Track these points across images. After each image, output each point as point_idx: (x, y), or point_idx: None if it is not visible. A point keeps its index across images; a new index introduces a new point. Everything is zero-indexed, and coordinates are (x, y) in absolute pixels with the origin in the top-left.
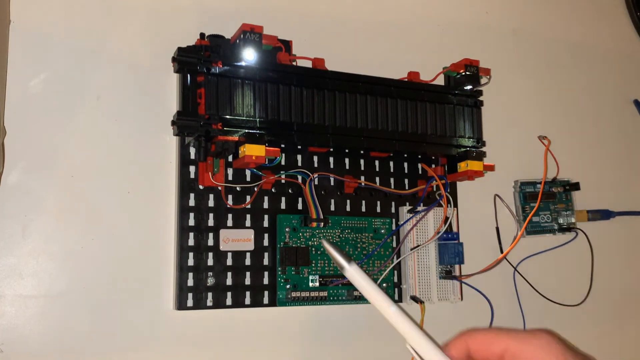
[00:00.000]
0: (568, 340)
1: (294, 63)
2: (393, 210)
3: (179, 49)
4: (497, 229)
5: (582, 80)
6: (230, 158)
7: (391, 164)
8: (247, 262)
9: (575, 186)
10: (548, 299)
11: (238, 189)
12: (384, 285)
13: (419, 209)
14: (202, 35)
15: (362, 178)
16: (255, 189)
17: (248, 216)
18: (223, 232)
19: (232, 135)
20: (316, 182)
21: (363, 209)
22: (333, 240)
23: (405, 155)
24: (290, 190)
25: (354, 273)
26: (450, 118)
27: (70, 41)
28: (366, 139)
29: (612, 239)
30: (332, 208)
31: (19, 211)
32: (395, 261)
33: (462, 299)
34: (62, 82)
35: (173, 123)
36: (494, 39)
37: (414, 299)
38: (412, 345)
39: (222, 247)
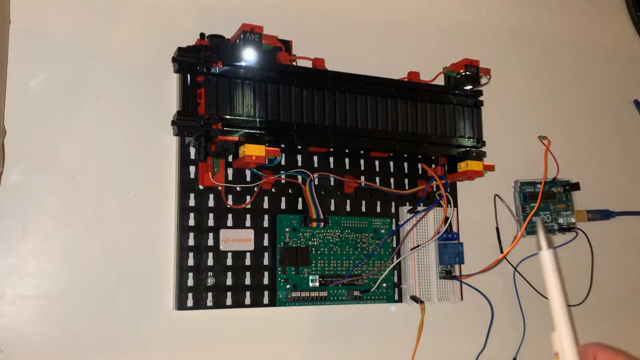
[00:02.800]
0: None
1: (294, 63)
2: (393, 210)
3: (179, 49)
4: (497, 229)
5: (582, 80)
6: (230, 158)
7: (391, 164)
8: (247, 262)
9: (575, 186)
10: (548, 299)
11: (238, 189)
12: (384, 285)
13: (419, 209)
14: (202, 35)
15: (362, 178)
16: (255, 189)
17: (248, 216)
18: (223, 232)
19: (232, 135)
20: (316, 182)
21: (363, 209)
22: (333, 240)
23: (405, 155)
24: (290, 190)
25: (545, 257)
26: (450, 118)
27: (70, 41)
28: (366, 139)
29: (612, 239)
30: (332, 208)
31: (19, 211)
32: (395, 261)
33: (462, 299)
34: (62, 82)
35: (173, 123)
36: (494, 39)
37: (414, 299)
38: (561, 340)
39: (222, 247)
